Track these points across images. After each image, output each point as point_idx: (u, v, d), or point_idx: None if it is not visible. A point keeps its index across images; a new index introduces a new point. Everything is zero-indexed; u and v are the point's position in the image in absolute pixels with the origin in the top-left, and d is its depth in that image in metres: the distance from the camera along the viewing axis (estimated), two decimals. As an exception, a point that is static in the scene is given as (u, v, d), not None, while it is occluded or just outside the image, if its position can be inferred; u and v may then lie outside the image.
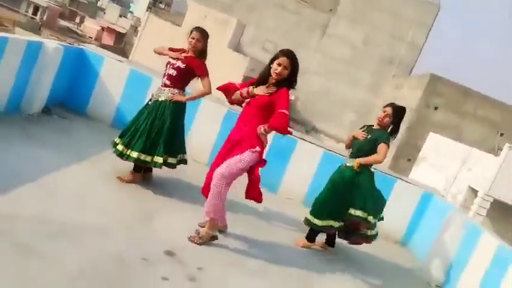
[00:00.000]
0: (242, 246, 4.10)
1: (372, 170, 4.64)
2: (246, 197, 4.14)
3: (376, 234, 4.75)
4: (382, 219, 4.74)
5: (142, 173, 4.63)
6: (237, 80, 18.27)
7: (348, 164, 4.62)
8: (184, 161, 4.74)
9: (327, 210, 4.55)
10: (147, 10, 31.10)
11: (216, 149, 5.81)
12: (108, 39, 45.55)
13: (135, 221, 3.85)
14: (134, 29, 45.80)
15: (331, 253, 4.84)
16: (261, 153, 3.90)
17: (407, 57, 21.31)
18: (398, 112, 4.62)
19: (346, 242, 4.88)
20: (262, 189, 4.15)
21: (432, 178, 12.58)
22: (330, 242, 4.88)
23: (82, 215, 3.58)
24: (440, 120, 16.60)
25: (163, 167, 4.46)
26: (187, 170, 5.14)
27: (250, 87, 3.92)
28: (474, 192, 11.73)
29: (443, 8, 21.48)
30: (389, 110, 4.60)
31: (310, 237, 4.75)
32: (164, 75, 4.55)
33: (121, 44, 44.09)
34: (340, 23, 21.68)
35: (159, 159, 4.37)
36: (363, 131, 4.73)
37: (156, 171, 4.75)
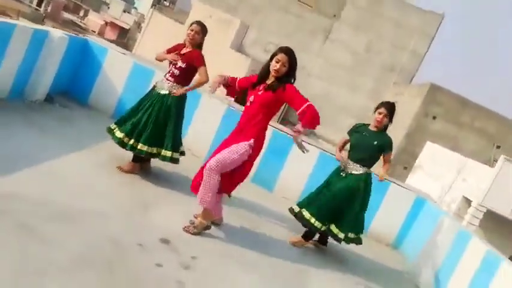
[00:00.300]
0: (236, 240, 4.17)
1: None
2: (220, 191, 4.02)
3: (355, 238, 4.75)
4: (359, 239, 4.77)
5: (140, 164, 4.70)
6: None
7: (354, 172, 4.61)
8: (183, 153, 4.83)
9: (329, 215, 4.58)
10: (151, 7, 31.18)
11: (215, 143, 5.90)
12: (111, 34, 45.60)
13: (133, 208, 3.92)
14: (138, 25, 45.85)
15: (323, 252, 4.91)
16: (255, 151, 3.93)
17: (408, 66, 21.41)
18: (392, 110, 4.71)
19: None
20: (258, 188, 4.21)
21: (427, 186, 12.65)
22: (323, 240, 4.95)
23: (81, 199, 3.65)
24: (438, 129, 16.69)
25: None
26: (185, 163, 5.20)
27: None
28: (468, 202, 11.82)
29: (446, 17, 21.56)
30: (384, 110, 4.67)
31: (308, 236, 4.80)
32: (168, 72, 4.64)
33: (124, 39, 44.13)
34: (343, 29, 21.78)
35: (167, 153, 4.51)
36: (363, 134, 4.76)
37: (153, 162, 4.83)
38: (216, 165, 3.77)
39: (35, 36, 5.10)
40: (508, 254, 9.18)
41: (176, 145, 4.63)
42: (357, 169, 4.62)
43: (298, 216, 4.66)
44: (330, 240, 4.93)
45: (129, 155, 4.65)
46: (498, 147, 16.12)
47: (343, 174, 4.66)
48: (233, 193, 4.18)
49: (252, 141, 3.86)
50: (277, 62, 3.86)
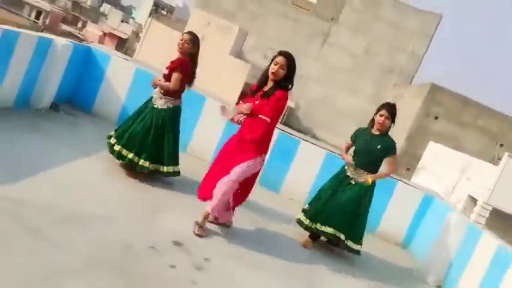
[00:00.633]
0: (246, 241, 4.16)
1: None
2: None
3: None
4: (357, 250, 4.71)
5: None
6: (238, 86, 18.37)
7: (359, 180, 4.59)
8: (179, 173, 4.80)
9: (340, 224, 4.56)
10: (149, 16, 31.31)
11: (219, 147, 5.90)
12: (109, 44, 45.70)
13: (142, 212, 3.91)
14: (136, 34, 46.04)
15: (333, 251, 4.89)
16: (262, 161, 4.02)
17: (408, 67, 21.45)
18: (394, 111, 4.65)
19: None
20: (265, 190, 4.25)
21: (431, 187, 12.63)
22: (333, 241, 4.91)
23: (89, 204, 3.64)
24: (439, 129, 16.68)
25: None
26: (190, 167, 5.21)
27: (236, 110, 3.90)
28: (474, 201, 11.79)
29: (445, 18, 21.65)
30: (386, 112, 4.60)
31: (314, 236, 4.79)
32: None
33: (122, 49, 44.26)
34: (341, 32, 21.85)
35: (169, 169, 4.57)
36: (366, 138, 4.69)
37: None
38: (238, 177, 3.86)
39: (39, 44, 5.11)
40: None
41: (176, 159, 4.67)
42: (363, 177, 4.59)
43: (309, 228, 4.66)
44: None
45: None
46: (501, 145, 16.10)
47: (353, 182, 4.62)
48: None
49: (264, 156, 3.96)
50: (275, 65, 3.85)
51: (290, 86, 3.93)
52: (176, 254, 3.39)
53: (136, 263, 3.05)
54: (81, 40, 44.17)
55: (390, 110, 4.64)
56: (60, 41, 5.44)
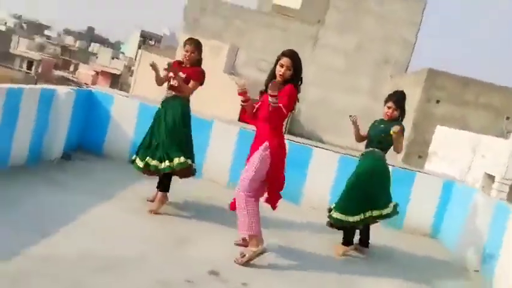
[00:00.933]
0: (278, 258, 4.14)
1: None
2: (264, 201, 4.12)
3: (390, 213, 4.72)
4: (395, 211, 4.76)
5: (165, 193, 4.68)
6: (236, 101, 18.43)
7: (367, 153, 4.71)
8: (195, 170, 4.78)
9: (355, 205, 4.57)
10: (138, 48, 31.57)
11: (234, 168, 5.92)
12: (103, 83, 46.05)
13: (172, 246, 3.91)
14: (128, 68, 46.41)
15: (366, 253, 4.85)
16: (277, 153, 3.90)
17: (401, 57, 21.48)
18: (401, 100, 4.72)
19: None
20: (285, 202, 4.19)
21: (446, 171, 12.56)
22: (364, 243, 4.88)
23: (119, 247, 3.65)
24: (443, 113, 16.63)
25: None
26: (207, 191, 5.23)
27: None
28: (491, 178, 11.69)
29: (429, 2, 21.75)
30: (392, 104, 4.70)
31: (347, 240, 4.74)
32: (168, 88, 4.68)
33: (117, 85, 44.55)
34: (330, 33, 21.95)
35: (181, 160, 4.45)
36: (375, 124, 4.82)
37: (177, 196, 4.83)
38: (244, 188, 3.78)
39: (42, 97, 5.15)
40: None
41: (190, 154, 4.62)
42: (370, 151, 4.71)
43: (335, 221, 4.65)
44: (370, 241, 4.88)
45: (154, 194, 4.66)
46: (507, 118, 16.02)
47: (362, 158, 4.75)
48: (263, 213, 4.16)
49: (266, 143, 3.83)
50: (281, 67, 3.86)
51: (300, 82, 3.96)
52: (214, 284, 3.37)
53: (178, 299, 3.04)
54: (76, 83, 44.60)
55: (396, 100, 4.72)
56: (62, 90, 5.49)
